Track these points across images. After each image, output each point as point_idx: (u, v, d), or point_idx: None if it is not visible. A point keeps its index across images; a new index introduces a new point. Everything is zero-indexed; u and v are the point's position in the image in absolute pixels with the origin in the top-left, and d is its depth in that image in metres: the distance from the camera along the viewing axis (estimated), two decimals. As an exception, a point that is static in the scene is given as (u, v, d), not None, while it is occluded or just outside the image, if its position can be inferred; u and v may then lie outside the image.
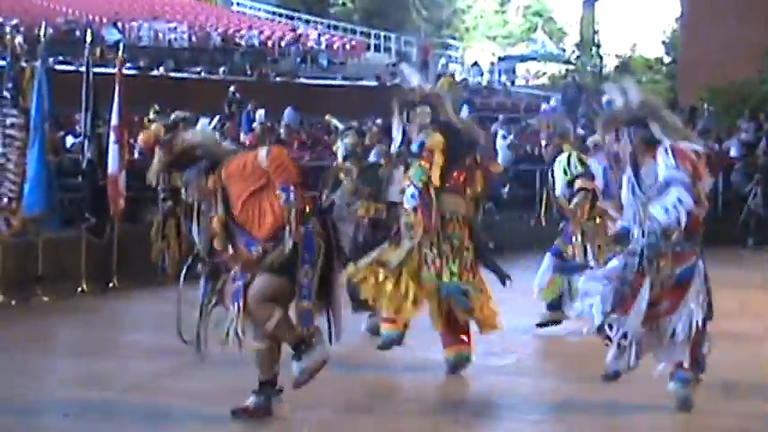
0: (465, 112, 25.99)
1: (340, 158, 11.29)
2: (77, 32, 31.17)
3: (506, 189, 17.41)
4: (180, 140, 6.85)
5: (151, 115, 16.18)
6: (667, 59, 47.90)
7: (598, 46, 48.72)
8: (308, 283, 6.51)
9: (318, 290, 6.63)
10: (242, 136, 20.35)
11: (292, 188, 6.42)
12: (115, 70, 13.56)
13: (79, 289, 12.53)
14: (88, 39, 13.38)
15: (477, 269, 8.45)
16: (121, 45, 18.80)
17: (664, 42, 49.36)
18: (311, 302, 6.55)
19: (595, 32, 49.80)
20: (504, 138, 20.85)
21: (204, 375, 7.52)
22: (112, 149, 12.68)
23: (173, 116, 12.48)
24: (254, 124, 21.08)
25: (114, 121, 12.80)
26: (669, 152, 6.78)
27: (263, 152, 6.53)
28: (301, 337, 6.54)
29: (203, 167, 6.62)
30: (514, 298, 9.33)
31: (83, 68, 13.28)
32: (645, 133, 6.97)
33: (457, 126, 8.60)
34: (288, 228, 6.40)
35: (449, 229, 8.31)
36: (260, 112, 22.34)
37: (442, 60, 42.18)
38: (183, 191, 6.72)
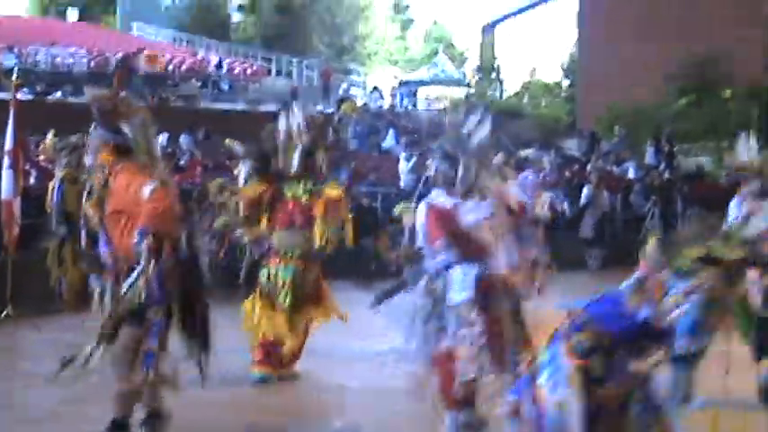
0: (391, 136, 26.12)
1: (241, 182, 11.23)
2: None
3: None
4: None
5: (48, 138, 15.92)
6: (566, 83, 48.60)
7: (498, 70, 49.29)
8: (156, 322, 6.40)
9: (186, 327, 6.61)
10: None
11: (149, 237, 6.28)
12: (9, 95, 13.34)
13: (-28, 318, 12.23)
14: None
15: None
16: (16, 70, 18.50)
17: (562, 67, 50.09)
18: (157, 344, 6.42)
19: (495, 57, 50.39)
20: (408, 160, 20.84)
21: (105, 405, 7.35)
22: (6, 174, 12.41)
23: (72, 138, 12.29)
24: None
25: (8, 145, 12.54)
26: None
27: (149, 187, 6.39)
28: (156, 412, 6.63)
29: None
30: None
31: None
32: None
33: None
34: (138, 270, 6.32)
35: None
36: (161, 138, 22.10)
37: (344, 85, 42.30)
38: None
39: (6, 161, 12.56)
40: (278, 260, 8.94)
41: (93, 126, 6.84)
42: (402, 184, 20.03)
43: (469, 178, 7.04)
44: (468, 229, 6.96)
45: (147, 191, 6.36)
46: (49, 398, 8.10)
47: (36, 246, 12.80)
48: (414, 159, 20.98)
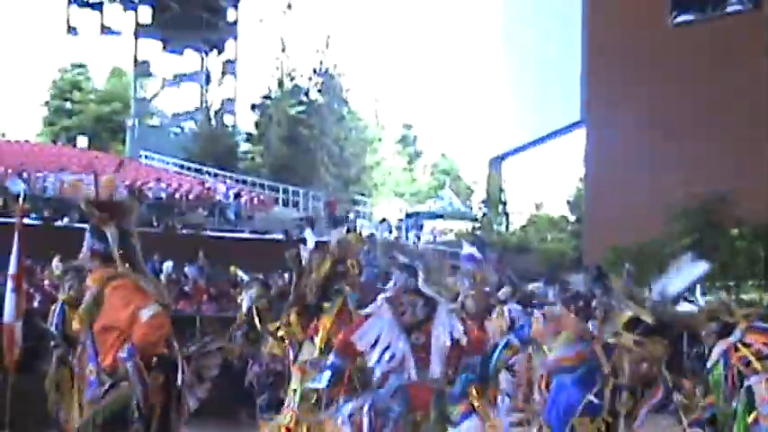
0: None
1: (244, 309, 11.20)
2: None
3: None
4: None
5: (54, 263, 15.94)
6: (572, 218, 48.70)
7: (504, 204, 49.49)
8: None
9: None
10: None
11: (135, 358, 6.28)
12: (15, 220, 13.35)
13: (-30, 441, 12.08)
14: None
15: None
16: (23, 194, 18.63)
17: (568, 201, 50.25)
18: None
19: (502, 191, 50.65)
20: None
21: None
22: (9, 298, 12.36)
23: (75, 262, 12.29)
24: (161, 276, 20.86)
25: (12, 269, 12.51)
26: None
27: (148, 312, 6.37)
28: None
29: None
30: None
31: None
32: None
33: None
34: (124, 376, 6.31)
35: None
36: (167, 264, 22.12)
37: (351, 216, 42.47)
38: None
39: (9, 284, 12.52)
40: None
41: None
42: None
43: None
44: None
45: (146, 314, 6.32)
46: None
47: (37, 369, 12.70)
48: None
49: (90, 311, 6.57)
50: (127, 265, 6.66)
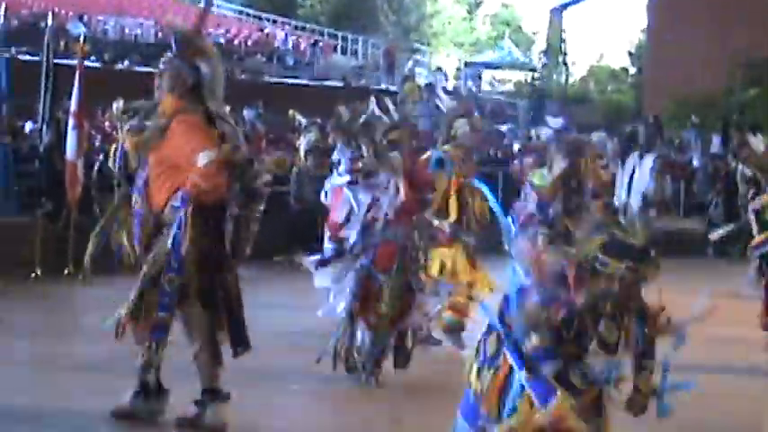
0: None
1: (302, 153, 11.27)
2: (42, 24, 31.00)
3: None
4: None
5: (115, 105, 16.04)
6: (633, 70, 48.12)
7: (565, 54, 48.87)
8: (168, 291, 6.14)
9: (204, 299, 6.32)
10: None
11: (189, 205, 6.07)
12: (77, 62, 13.47)
13: (33, 274, 12.38)
14: (48, 27, 13.32)
15: None
16: (83, 36, 18.69)
17: (630, 53, 49.58)
18: (168, 314, 6.19)
19: (563, 41, 49.94)
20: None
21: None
22: (71, 135, 12.53)
23: (137, 103, 12.38)
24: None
25: (73, 107, 12.66)
26: None
27: (206, 156, 6.07)
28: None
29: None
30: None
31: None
32: None
33: None
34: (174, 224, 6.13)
35: None
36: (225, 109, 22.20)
37: (409, 64, 42.19)
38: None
39: (71, 122, 12.68)
40: None
41: (166, 58, 6.48)
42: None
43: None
44: None
45: (202, 159, 6.04)
46: (103, 350, 8.18)
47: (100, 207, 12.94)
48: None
49: (150, 140, 6.34)
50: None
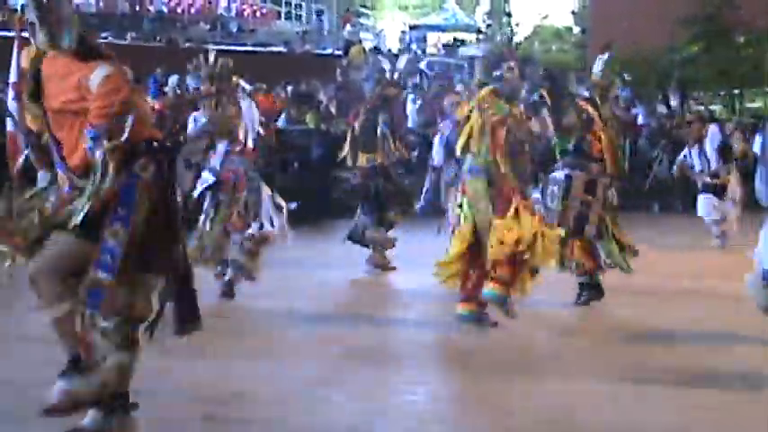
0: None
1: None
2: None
3: (416, 153, 17.35)
4: None
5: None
6: (577, 29, 48.25)
7: (509, 15, 48.92)
8: (112, 247, 4.85)
9: (151, 262, 5.05)
10: (149, 100, 20.10)
11: (105, 141, 4.79)
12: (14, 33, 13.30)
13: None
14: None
15: None
16: (20, 8, 18.47)
17: (573, 12, 49.70)
18: (111, 278, 4.87)
19: (506, 2, 50.00)
20: (414, 102, 20.95)
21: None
22: (11, 106, 12.38)
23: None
24: (167, 89, 20.88)
25: (13, 77, 12.51)
26: None
27: (99, 73, 4.87)
28: (77, 355, 5.01)
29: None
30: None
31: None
32: None
33: None
34: (96, 172, 4.84)
35: None
36: (172, 79, 22.07)
37: (348, 28, 42.13)
38: None
39: (11, 93, 12.50)
40: None
41: None
42: (409, 124, 20.00)
43: None
44: None
45: (96, 78, 4.86)
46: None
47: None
48: (419, 102, 21.08)
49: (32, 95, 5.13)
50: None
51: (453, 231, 8.63)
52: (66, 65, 5.04)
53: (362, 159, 11.65)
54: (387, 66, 11.99)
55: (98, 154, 4.80)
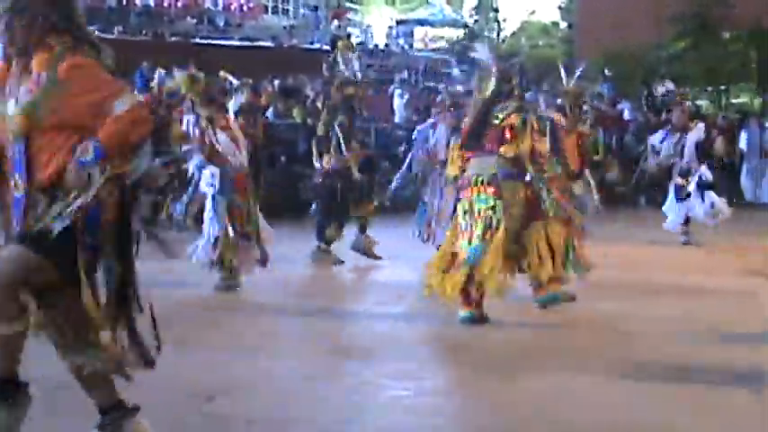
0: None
1: (231, 114, 11.25)
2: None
3: (402, 148, 17.37)
4: None
5: None
6: (563, 25, 48.31)
7: (496, 10, 48.96)
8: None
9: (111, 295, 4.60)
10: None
11: (102, 164, 4.41)
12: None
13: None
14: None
15: None
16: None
17: (560, 7, 49.78)
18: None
19: (494, -4, 50.12)
20: (401, 97, 20.95)
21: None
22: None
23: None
24: (153, 83, 20.84)
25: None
26: None
27: (125, 101, 4.48)
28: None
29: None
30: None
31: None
32: None
33: None
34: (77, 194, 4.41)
35: None
36: (158, 72, 22.03)
37: (335, 23, 42.15)
38: None
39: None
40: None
41: None
42: (397, 119, 20.05)
43: None
44: None
45: (120, 105, 4.46)
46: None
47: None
48: (407, 96, 21.10)
49: (42, 102, 4.50)
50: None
51: (456, 231, 8.39)
52: (94, 78, 4.58)
53: (326, 160, 11.71)
54: (356, 65, 12.03)
55: (96, 168, 4.41)
